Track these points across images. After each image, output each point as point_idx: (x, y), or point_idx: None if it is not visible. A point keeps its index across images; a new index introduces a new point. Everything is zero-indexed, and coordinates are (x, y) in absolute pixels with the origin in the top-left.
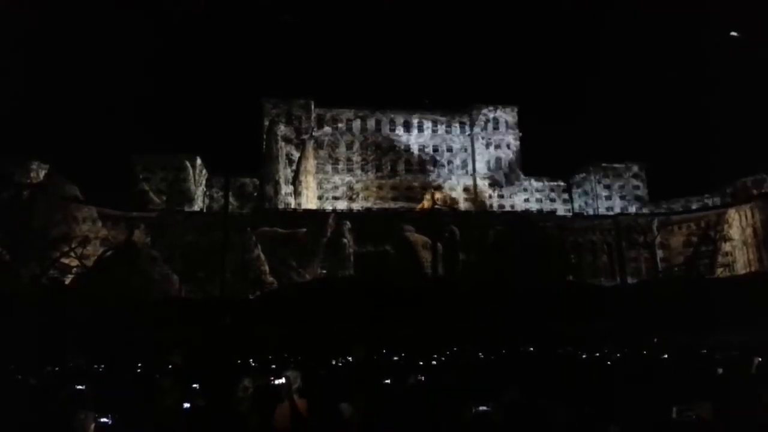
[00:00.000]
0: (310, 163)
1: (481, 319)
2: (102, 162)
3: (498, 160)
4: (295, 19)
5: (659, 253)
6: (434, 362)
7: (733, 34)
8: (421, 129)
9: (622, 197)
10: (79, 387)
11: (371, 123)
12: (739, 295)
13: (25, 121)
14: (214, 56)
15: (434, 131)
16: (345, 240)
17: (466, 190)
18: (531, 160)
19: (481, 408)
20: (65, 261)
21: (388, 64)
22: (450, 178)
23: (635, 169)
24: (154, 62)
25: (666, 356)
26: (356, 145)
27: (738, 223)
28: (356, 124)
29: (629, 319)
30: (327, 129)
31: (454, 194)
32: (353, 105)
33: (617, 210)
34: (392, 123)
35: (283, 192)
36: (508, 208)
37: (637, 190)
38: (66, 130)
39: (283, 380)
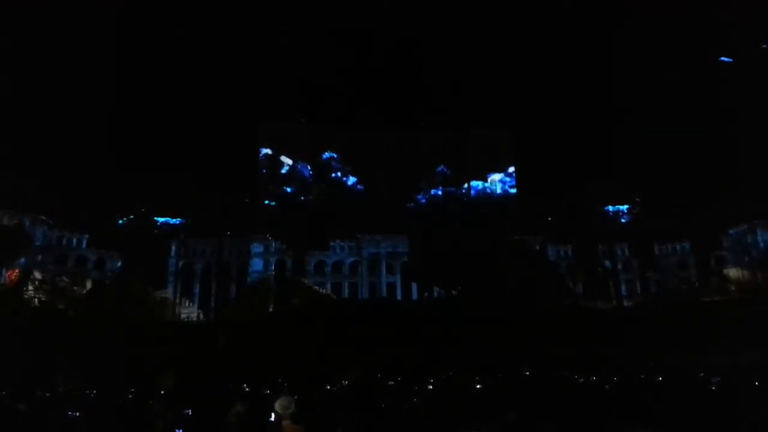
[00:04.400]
0: None
1: (477, 342)
2: (94, 183)
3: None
4: (291, 41)
5: (654, 275)
6: (430, 386)
7: (724, 59)
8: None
9: (615, 219)
10: (71, 413)
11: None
12: (735, 317)
13: (23, 142)
14: (211, 79)
15: None
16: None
17: None
18: (527, 182)
19: None
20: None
21: (385, 84)
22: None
23: (631, 194)
24: (154, 80)
25: (661, 379)
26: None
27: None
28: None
29: (625, 341)
30: (323, 150)
31: None
32: (350, 124)
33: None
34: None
35: None
36: None
37: (632, 213)
38: (60, 149)
39: (273, 416)
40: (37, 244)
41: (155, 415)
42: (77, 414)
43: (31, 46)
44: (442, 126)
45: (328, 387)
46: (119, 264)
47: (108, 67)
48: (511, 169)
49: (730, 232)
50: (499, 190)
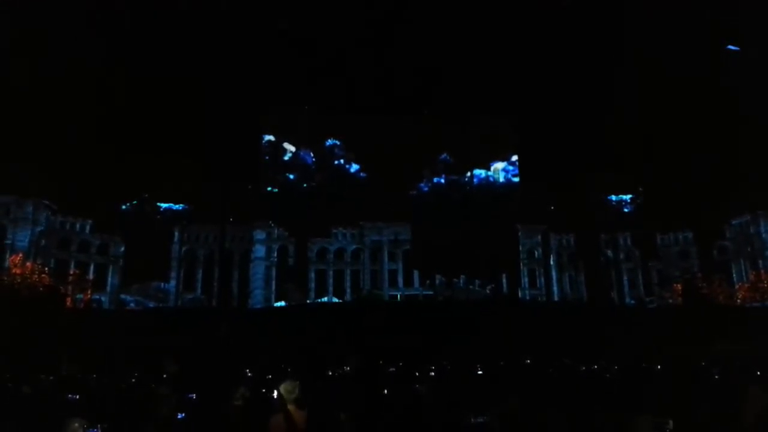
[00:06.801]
0: None
1: (479, 331)
2: (98, 168)
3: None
4: (291, 27)
5: (656, 265)
6: (432, 373)
7: (731, 47)
8: None
9: (618, 208)
10: (71, 396)
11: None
12: (736, 308)
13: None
14: (214, 64)
15: None
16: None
17: None
18: (530, 171)
19: (478, 419)
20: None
21: (388, 70)
22: None
23: (634, 183)
24: (157, 66)
25: (660, 367)
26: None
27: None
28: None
29: (628, 331)
30: (326, 136)
31: None
32: (353, 111)
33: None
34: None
35: None
36: None
37: (634, 202)
38: (64, 133)
39: (275, 394)
40: (41, 228)
41: (158, 399)
42: (77, 397)
43: (32, 29)
44: (446, 113)
45: (331, 372)
46: (122, 249)
47: (111, 51)
48: (514, 158)
49: (733, 222)
50: (501, 179)
